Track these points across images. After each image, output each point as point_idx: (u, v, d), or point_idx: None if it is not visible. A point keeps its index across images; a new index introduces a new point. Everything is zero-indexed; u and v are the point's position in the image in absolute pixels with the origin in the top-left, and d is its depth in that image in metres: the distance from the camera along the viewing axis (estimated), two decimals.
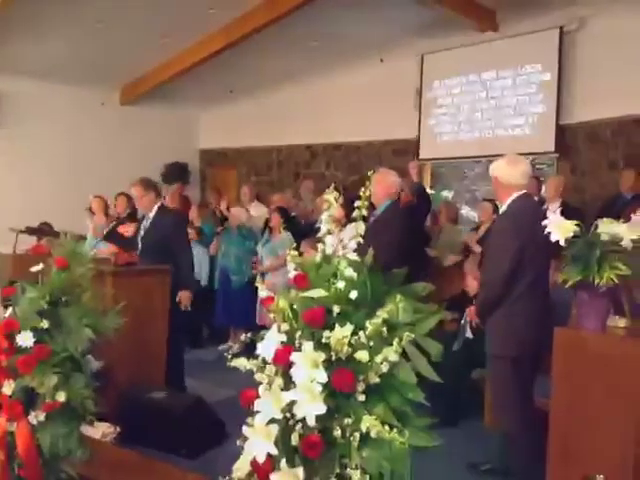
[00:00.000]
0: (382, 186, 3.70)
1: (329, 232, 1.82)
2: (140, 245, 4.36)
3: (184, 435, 3.29)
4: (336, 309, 1.66)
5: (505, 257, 2.82)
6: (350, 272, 1.71)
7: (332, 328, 1.63)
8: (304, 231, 6.15)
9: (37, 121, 8.04)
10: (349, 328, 1.60)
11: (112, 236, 5.21)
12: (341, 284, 1.70)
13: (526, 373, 2.87)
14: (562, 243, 2.26)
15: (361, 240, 1.73)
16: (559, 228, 2.27)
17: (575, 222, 2.31)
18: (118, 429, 3.28)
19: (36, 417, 2.11)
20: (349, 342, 1.59)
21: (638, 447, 2.19)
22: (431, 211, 6.10)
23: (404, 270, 1.71)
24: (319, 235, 1.82)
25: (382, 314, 1.63)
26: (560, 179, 5.60)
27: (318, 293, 1.69)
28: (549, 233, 2.32)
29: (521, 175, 2.99)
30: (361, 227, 1.73)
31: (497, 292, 2.90)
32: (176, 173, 9.04)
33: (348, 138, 8.68)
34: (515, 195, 2.98)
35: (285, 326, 1.70)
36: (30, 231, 5.84)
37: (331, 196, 1.86)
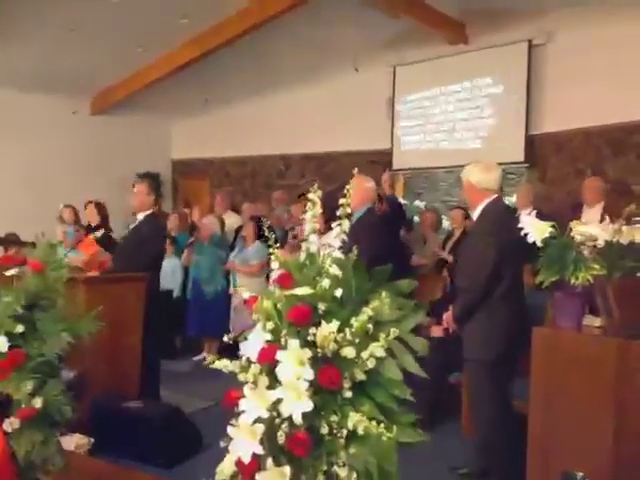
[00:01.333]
0: (359, 191, 3.70)
1: (313, 231, 1.83)
2: (118, 247, 4.30)
3: (161, 444, 3.23)
4: (322, 307, 1.66)
5: (486, 261, 2.85)
6: (335, 270, 1.71)
7: (318, 325, 1.63)
8: (278, 240, 6.15)
9: (4, 130, 7.88)
10: (335, 325, 1.60)
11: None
12: (326, 282, 1.70)
13: (503, 376, 2.90)
14: (539, 243, 2.30)
15: (346, 238, 1.73)
16: (535, 229, 2.31)
17: (550, 223, 2.36)
18: (92, 440, 3.21)
19: (11, 425, 2.05)
20: (335, 339, 1.59)
21: (616, 443, 2.23)
22: (409, 219, 6.16)
23: (389, 267, 1.72)
24: (304, 235, 1.82)
25: (367, 311, 1.63)
26: (530, 187, 5.73)
27: (304, 291, 1.68)
28: (523, 236, 2.37)
29: (494, 181, 3.05)
30: (346, 224, 1.73)
31: (478, 297, 2.93)
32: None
33: (322, 149, 8.73)
34: (487, 200, 3.03)
35: (270, 325, 1.69)
36: None
37: (315, 195, 1.86)
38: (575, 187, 6.35)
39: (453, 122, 7.61)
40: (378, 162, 7.93)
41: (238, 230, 6.32)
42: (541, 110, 6.83)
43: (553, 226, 2.36)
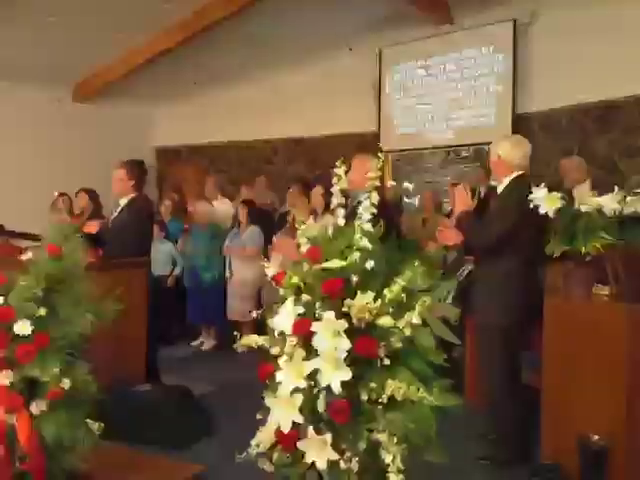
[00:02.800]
0: (361, 172, 3.71)
1: (340, 205, 1.85)
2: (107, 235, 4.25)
3: (172, 427, 3.24)
4: (354, 278, 1.69)
5: (506, 217, 2.88)
6: (365, 242, 1.74)
7: (352, 297, 1.66)
8: (270, 223, 6.16)
9: None
10: (371, 295, 1.63)
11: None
12: (356, 254, 1.73)
13: (515, 344, 2.96)
14: (550, 214, 2.36)
15: (375, 211, 1.76)
16: (546, 200, 2.36)
17: (560, 194, 2.41)
18: (102, 425, 3.21)
19: (38, 407, 2.05)
20: (371, 309, 1.62)
21: (630, 405, 2.30)
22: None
23: (414, 240, 1.76)
24: (332, 207, 1.85)
25: (400, 281, 1.67)
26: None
27: (337, 264, 1.71)
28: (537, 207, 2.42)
29: (523, 156, 3.12)
30: (374, 197, 1.76)
31: (488, 242, 2.94)
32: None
33: (309, 133, 8.71)
34: (515, 174, 3.09)
35: (305, 297, 1.72)
36: None
37: (341, 170, 1.89)
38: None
39: (439, 103, 7.65)
40: (365, 144, 7.95)
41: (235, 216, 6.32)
42: (527, 89, 6.90)
43: (563, 197, 2.41)
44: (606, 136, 6.37)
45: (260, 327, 1.97)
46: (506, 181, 3.10)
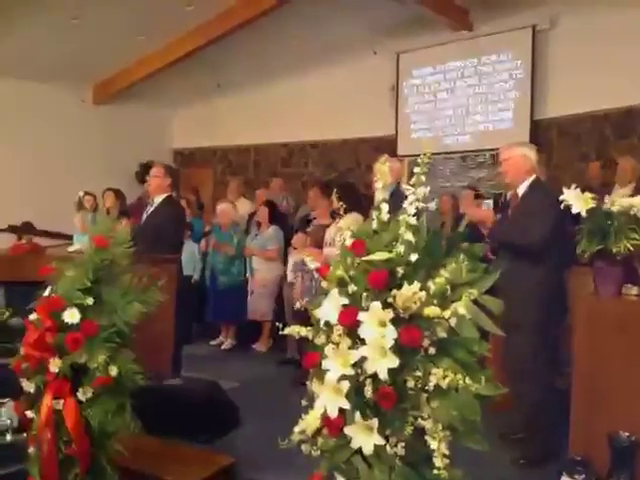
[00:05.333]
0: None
1: (384, 200, 1.91)
2: (139, 232, 4.33)
3: (203, 420, 3.30)
4: (400, 270, 1.75)
5: (546, 217, 2.94)
6: (409, 236, 1.80)
7: (397, 288, 1.71)
8: (289, 225, 6.23)
9: (10, 121, 7.83)
10: (417, 285, 1.68)
11: None
12: (401, 247, 1.79)
13: (551, 343, 3.00)
14: (583, 214, 2.40)
15: (421, 205, 1.81)
16: (579, 200, 2.41)
17: (592, 195, 2.45)
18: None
19: (84, 393, 2.12)
20: (416, 300, 1.67)
21: None
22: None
23: (461, 232, 1.82)
24: (375, 203, 1.91)
25: (445, 273, 1.72)
26: (542, 170, 5.77)
27: (382, 256, 1.76)
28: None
29: (537, 161, 3.20)
30: (421, 192, 1.81)
31: (534, 245, 2.98)
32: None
33: (325, 136, 8.79)
34: (531, 178, 3.18)
35: (351, 288, 1.77)
36: (13, 230, 5.72)
37: (384, 166, 1.95)
38: (580, 171, 6.49)
39: (456, 108, 7.70)
40: (382, 149, 8.01)
41: (251, 216, 6.38)
42: (546, 95, 6.94)
43: (594, 198, 2.45)
44: (625, 142, 6.40)
45: (275, 326, 2.00)
46: (526, 184, 3.19)
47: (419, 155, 1.74)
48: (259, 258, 5.77)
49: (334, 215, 4.94)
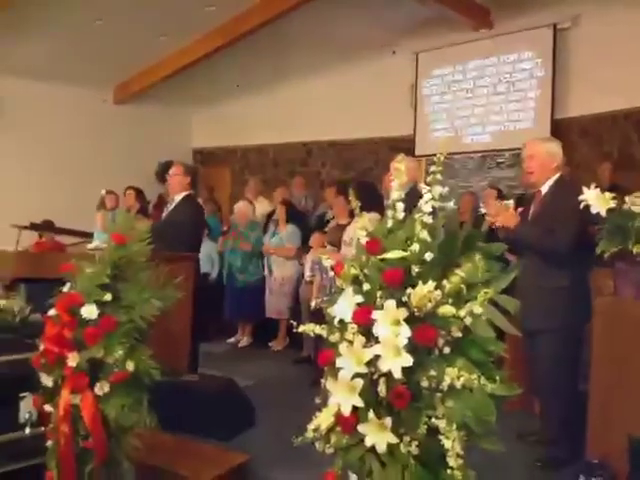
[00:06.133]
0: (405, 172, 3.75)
1: (399, 199, 1.91)
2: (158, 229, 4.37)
3: (219, 417, 3.32)
4: (415, 269, 1.74)
5: (574, 219, 2.83)
6: (425, 235, 1.79)
7: (412, 287, 1.71)
8: (308, 224, 6.24)
9: (33, 120, 7.97)
10: (432, 284, 1.68)
11: None
12: (416, 246, 1.78)
13: (577, 346, 2.95)
14: (603, 214, 2.37)
15: (439, 204, 1.81)
16: (599, 200, 2.38)
17: (612, 195, 2.42)
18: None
19: (102, 388, 2.14)
20: (431, 298, 1.67)
21: None
22: None
23: (479, 231, 1.81)
24: (388, 203, 1.90)
25: (460, 272, 1.71)
26: (566, 170, 5.66)
27: (396, 254, 1.76)
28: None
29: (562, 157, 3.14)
30: (437, 190, 1.81)
31: (564, 247, 2.90)
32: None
33: (343, 136, 8.79)
34: (557, 175, 3.10)
35: (366, 286, 1.77)
36: (34, 227, 5.80)
37: (401, 164, 1.94)
38: (601, 171, 6.40)
39: (476, 108, 7.65)
40: (401, 148, 7.98)
41: (270, 215, 6.41)
42: (567, 94, 6.86)
43: (614, 198, 2.42)
44: None
45: (292, 325, 1.98)
46: (550, 182, 3.09)
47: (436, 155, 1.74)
48: (277, 257, 5.79)
49: (353, 214, 4.95)
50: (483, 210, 6.13)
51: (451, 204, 5.31)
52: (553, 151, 3.12)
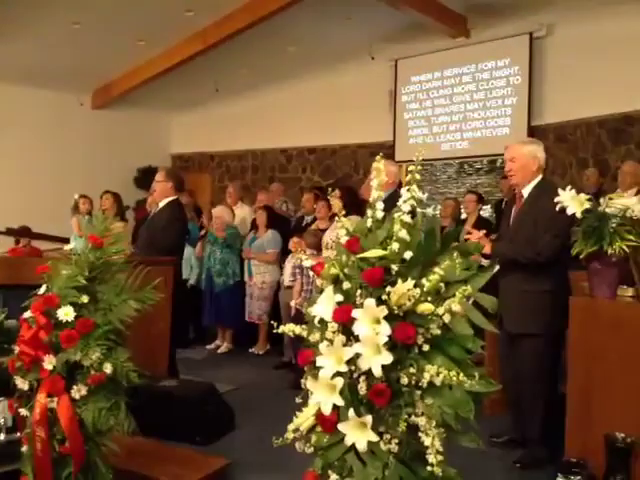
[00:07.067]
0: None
1: (379, 198, 1.92)
2: (141, 233, 4.36)
3: (198, 422, 3.29)
4: (394, 267, 1.75)
5: (557, 228, 2.84)
6: (404, 234, 1.80)
7: (392, 285, 1.72)
8: (289, 229, 6.23)
9: (9, 124, 7.86)
10: (411, 283, 1.69)
11: None
12: (395, 245, 1.79)
13: (558, 349, 2.99)
14: (578, 215, 2.41)
15: (419, 210, 1.82)
16: (573, 201, 2.42)
17: (588, 196, 2.46)
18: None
19: (78, 391, 2.11)
20: (410, 296, 1.68)
21: None
22: None
23: (458, 229, 1.83)
24: (370, 200, 1.91)
25: (439, 271, 1.73)
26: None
27: (377, 253, 1.77)
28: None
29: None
30: (415, 190, 1.82)
31: (546, 260, 2.90)
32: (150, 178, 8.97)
33: (322, 142, 8.82)
34: (540, 177, 3.12)
35: (346, 285, 1.78)
36: (11, 233, 5.72)
37: (380, 164, 1.96)
38: (577, 177, 6.52)
39: (454, 114, 7.74)
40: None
41: (254, 221, 6.38)
42: (542, 101, 6.98)
43: (589, 199, 2.46)
44: (621, 148, 6.43)
45: (272, 330, 1.99)
46: (532, 185, 3.10)
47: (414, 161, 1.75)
48: (257, 261, 5.78)
49: (333, 218, 4.97)
50: (464, 215, 6.20)
51: (430, 210, 5.35)
52: (535, 154, 3.12)
